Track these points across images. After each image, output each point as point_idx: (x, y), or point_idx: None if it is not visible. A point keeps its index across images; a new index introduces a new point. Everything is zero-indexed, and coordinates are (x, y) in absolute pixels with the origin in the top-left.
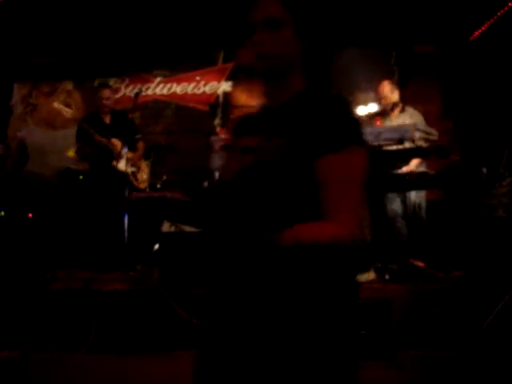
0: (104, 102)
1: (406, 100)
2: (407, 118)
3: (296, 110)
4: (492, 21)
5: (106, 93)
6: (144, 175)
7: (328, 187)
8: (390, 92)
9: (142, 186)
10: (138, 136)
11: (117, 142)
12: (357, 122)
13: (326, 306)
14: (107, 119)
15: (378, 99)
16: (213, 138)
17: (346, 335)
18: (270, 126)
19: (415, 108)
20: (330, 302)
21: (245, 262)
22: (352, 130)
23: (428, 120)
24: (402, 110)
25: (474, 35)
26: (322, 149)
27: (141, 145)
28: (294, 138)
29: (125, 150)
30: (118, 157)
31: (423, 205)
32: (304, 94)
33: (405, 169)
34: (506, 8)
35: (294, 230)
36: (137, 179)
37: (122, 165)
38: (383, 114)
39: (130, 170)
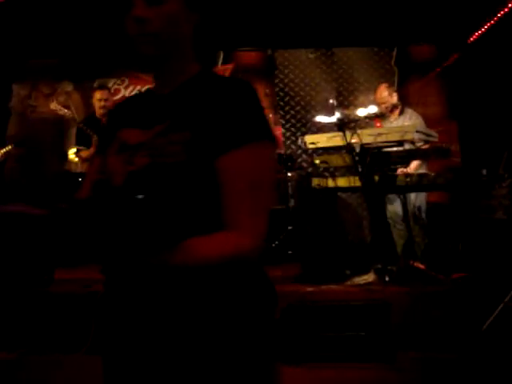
0: (102, 103)
1: (405, 101)
2: (406, 120)
3: (193, 98)
4: (493, 21)
5: (102, 94)
6: None
7: (228, 190)
8: (389, 95)
9: None
10: None
11: None
12: (263, 111)
13: (228, 322)
14: (105, 121)
15: (377, 103)
16: None
17: (256, 346)
18: (160, 118)
19: (415, 109)
20: (232, 316)
21: (138, 288)
22: (257, 121)
23: (428, 121)
24: (401, 112)
25: (475, 36)
26: (222, 145)
27: None
28: (197, 133)
29: None
30: None
31: (423, 207)
32: (199, 77)
33: (404, 170)
34: (506, 8)
35: (187, 245)
36: None
37: None
38: (382, 116)
39: None
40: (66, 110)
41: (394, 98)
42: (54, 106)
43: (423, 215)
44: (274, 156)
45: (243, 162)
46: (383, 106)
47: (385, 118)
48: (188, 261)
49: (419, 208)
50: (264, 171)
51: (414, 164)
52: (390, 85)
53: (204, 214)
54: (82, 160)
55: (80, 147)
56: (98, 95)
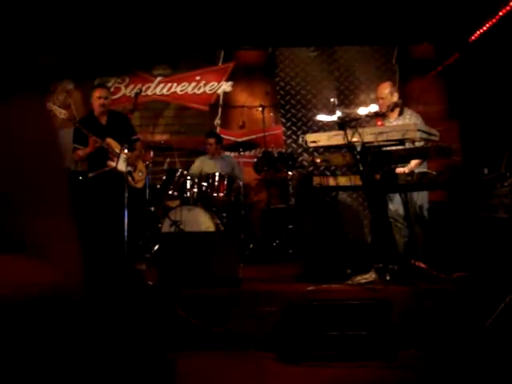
0: (101, 101)
1: (406, 99)
2: (406, 120)
3: None
4: (494, 20)
5: (101, 92)
6: (140, 174)
7: None
8: (390, 94)
9: (139, 185)
10: (136, 137)
11: (112, 142)
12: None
13: None
14: (103, 120)
15: (377, 99)
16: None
17: None
18: None
19: (416, 108)
20: None
21: None
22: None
23: (429, 120)
24: (401, 112)
25: (476, 35)
26: None
27: (138, 145)
28: None
29: (124, 150)
30: (114, 156)
31: (425, 205)
32: None
33: (405, 169)
34: (508, 7)
35: None
36: (133, 178)
37: (119, 164)
38: (383, 115)
39: (126, 169)
40: (61, 111)
41: (395, 97)
42: (49, 106)
43: (425, 213)
44: (46, 113)
45: None
46: (381, 101)
47: (384, 117)
48: None
49: (421, 207)
50: (39, 144)
51: (414, 162)
52: (393, 84)
53: None
54: (78, 158)
55: (76, 145)
56: (97, 93)
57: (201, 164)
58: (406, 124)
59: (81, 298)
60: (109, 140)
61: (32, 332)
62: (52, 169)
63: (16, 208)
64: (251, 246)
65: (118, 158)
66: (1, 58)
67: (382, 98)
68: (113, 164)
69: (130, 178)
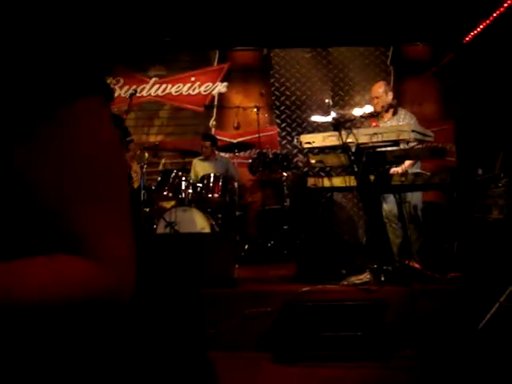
0: None
1: (401, 100)
2: (400, 120)
3: None
4: (488, 21)
5: None
6: (134, 174)
7: (42, 188)
8: (385, 93)
9: (134, 185)
10: (130, 138)
11: None
12: (80, 47)
13: None
14: None
15: (372, 99)
16: None
17: None
18: None
19: (410, 109)
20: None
21: None
22: (67, 67)
23: (424, 120)
24: (395, 113)
25: (470, 35)
26: (15, 121)
27: (132, 146)
28: None
29: None
30: None
31: (419, 205)
32: None
33: (398, 169)
34: (502, 8)
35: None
36: (130, 178)
37: None
38: (377, 116)
39: None
40: None
41: (389, 97)
42: None
43: (419, 213)
44: (108, 120)
45: (54, 144)
46: (376, 100)
47: (378, 118)
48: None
49: (415, 207)
50: (104, 146)
51: (407, 163)
52: (386, 83)
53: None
54: None
55: None
56: None
57: (197, 167)
58: (400, 125)
59: (128, 299)
60: None
61: (75, 338)
62: (113, 171)
63: (71, 208)
64: (246, 246)
65: None
66: (76, 59)
67: (376, 97)
68: None
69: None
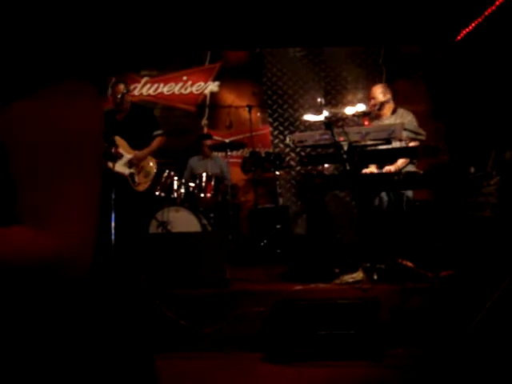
0: (116, 98)
1: (394, 99)
2: (398, 119)
3: None
4: (480, 20)
5: (117, 89)
6: (144, 177)
7: (16, 161)
8: (382, 95)
9: (141, 188)
10: (157, 132)
11: (119, 141)
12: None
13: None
14: (120, 116)
15: (368, 99)
16: None
17: None
18: None
19: (405, 108)
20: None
21: None
22: (48, 48)
23: (416, 120)
24: (394, 112)
25: (461, 35)
26: (7, 91)
27: (156, 142)
28: None
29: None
30: (114, 157)
31: (412, 202)
32: None
33: (391, 167)
34: (493, 7)
35: None
36: (134, 181)
37: (117, 166)
38: (369, 114)
39: (127, 171)
40: None
41: (380, 96)
42: None
43: (411, 211)
44: (93, 104)
45: (34, 115)
46: (372, 101)
47: (375, 117)
48: None
49: (407, 204)
50: (68, 129)
51: (400, 161)
52: (385, 84)
53: None
54: None
55: None
56: (112, 90)
57: (193, 165)
58: (391, 124)
59: (82, 275)
60: (116, 138)
61: (22, 305)
62: (79, 155)
63: (30, 182)
64: (239, 246)
65: (115, 159)
66: (61, 41)
67: (373, 98)
68: (110, 165)
69: (130, 181)
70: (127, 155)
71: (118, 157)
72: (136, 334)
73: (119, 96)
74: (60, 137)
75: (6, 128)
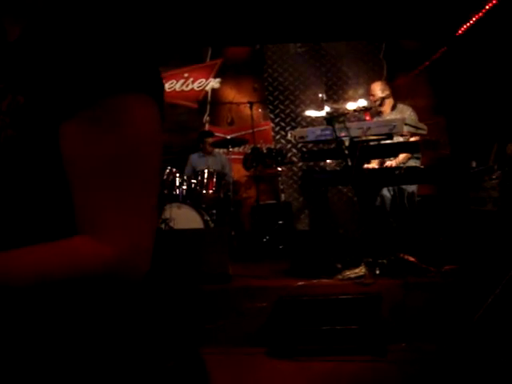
0: None
1: (394, 94)
2: (398, 114)
3: (34, 44)
4: (481, 14)
5: None
6: None
7: (78, 174)
8: (381, 91)
9: None
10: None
11: None
12: (133, 43)
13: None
14: None
15: (369, 95)
16: None
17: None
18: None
19: (404, 102)
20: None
21: None
22: (118, 61)
23: (417, 114)
24: (394, 107)
25: (462, 29)
26: (64, 107)
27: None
28: (32, 95)
29: None
30: None
31: (415, 197)
32: (47, 15)
33: (392, 162)
34: (494, 0)
35: (10, 257)
36: None
37: None
38: (370, 110)
39: None
40: None
41: (379, 93)
42: None
43: (409, 202)
44: (156, 118)
45: (99, 128)
46: (372, 98)
47: (376, 112)
48: (6, 279)
49: (410, 199)
50: (138, 140)
51: (402, 156)
52: (384, 81)
53: (45, 212)
54: None
55: None
56: None
57: (195, 162)
58: (392, 119)
59: (140, 280)
60: None
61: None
62: (147, 173)
63: (92, 197)
64: (241, 242)
65: None
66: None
67: (372, 95)
68: None
69: None
70: None
71: None
72: (186, 331)
73: None
74: (122, 148)
75: (68, 139)
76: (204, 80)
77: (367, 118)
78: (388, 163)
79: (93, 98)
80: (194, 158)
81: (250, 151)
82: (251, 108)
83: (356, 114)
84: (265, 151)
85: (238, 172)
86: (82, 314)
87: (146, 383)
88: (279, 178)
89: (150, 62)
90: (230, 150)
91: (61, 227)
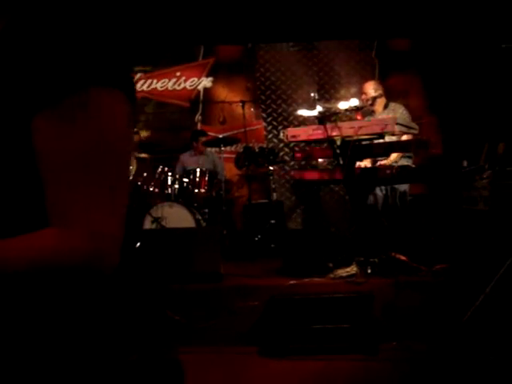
0: None
1: (386, 93)
2: (390, 113)
3: (9, 39)
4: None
5: None
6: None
7: (48, 169)
8: (374, 91)
9: None
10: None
11: None
12: (105, 40)
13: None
14: None
15: (361, 94)
16: None
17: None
18: None
19: (398, 102)
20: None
21: None
22: (91, 56)
23: (409, 113)
24: (386, 106)
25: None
26: (34, 101)
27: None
28: (5, 88)
29: None
30: None
31: (407, 196)
32: (24, 11)
33: (384, 162)
34: None
35: None
36: None
37: None
38: (362, 109)
39: None
40: None
41: (372, 92)
42: None
43: (405, 205)
44: (127, 113)
45: (70, 122)
46: (363, 96)
47: (368, 112)
48: None
49: (401, 198)
50: (108, 134)
51: (393, 155)
52: (377, 81)
53: (18, 206)
54: None
55: None
56: None
57: (185, 161)
58: (384, 118)
59: (110, 272)
60: None
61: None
62: (117, 167)
63: (64, 186)
64: (233, 241)
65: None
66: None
67: (365, 94)
68: None
69: None
70: None
71: None
72: (158, 328)
73: None
74: (93, 142)
75: (40, 133)
76: (196, 79)
77: (358, 117)
78: (380, 162)
79: (64, 92)
80: (185, 157)
81: (242, 150)
82: (243, 107)
83: (348, 113)
84: (257, 150)
85: (230, 171)
86: (47, 304)
87: (102, 372)
88: (271, 177)
89: (122, 59)
90: (222, 149)
91: (33, 221)
